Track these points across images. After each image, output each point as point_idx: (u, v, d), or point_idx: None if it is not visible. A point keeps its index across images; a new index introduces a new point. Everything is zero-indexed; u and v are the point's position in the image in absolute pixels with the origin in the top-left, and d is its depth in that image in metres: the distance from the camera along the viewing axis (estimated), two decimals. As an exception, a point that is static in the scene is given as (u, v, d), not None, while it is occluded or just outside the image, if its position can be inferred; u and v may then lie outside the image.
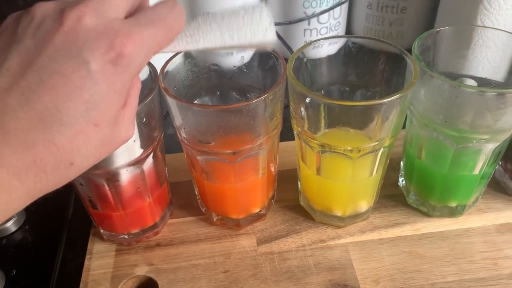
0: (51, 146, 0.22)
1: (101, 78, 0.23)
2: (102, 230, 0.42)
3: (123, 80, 0.24)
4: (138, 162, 0.36)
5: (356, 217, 0.43)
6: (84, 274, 0.40)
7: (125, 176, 0.37)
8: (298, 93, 0.35)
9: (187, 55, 0.40)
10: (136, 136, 0.35)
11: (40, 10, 0.24)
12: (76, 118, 0.23)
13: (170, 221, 0.44)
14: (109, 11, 0.24)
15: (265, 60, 0.40)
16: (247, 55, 0.42)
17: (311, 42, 0.39)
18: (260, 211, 0.43)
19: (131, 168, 0.36)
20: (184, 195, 0.46)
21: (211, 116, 0.34)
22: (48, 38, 0.23)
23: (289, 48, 0.60)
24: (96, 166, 0.35)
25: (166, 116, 0.48)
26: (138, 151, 0.36)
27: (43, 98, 0.22)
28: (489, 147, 0.37)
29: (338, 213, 0.42)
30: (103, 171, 0.35)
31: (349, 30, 0.70)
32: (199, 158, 0.38)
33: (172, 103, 0.34)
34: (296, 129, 0.39)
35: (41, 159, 0.22)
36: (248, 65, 0.42)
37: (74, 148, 0.23)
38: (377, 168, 0.39)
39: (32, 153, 0.22)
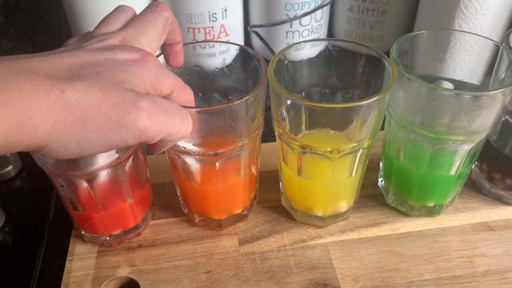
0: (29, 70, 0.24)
1: (121, 60, 0.27)
2: (83, 232, 0.42)
3: (142, 75, 0.27)
4: (120, 163, 0.36)
5: (337, 217, 0.43)
6: (65, 276, 0.40)
7: (106, 177, 0.37)
8: (279, 95, 0.36)
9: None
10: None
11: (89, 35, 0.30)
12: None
13: (152, 222, 0.44)
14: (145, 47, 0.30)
15: (246, 62, 0.41)
16: (228, 57, 0.42)
17: (292, 45, 0.40)
18: (242, 211, 0.44)
19: (112, 169, 0.36)
20: (166, 196, 0.46)
21: (193, 118, 0.34)
22: (89, 46, 0.28)
23: (271, 50, 0.61)
24: (77, 167, 0.35)
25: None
26: (118, 152, 0.36)
27: (59, 59, 0.25)
28: (465, 148, 0.38)
29: (319, 213, 0.42)
30: (83, 172, 0.35)
31: (330, 33, 0.71)
32: (180, 159, 0.38)
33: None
34: (277, 131, 0.39)
35: (11, 80, 0.23)
36: (230, 66, 0.43)
37: (47, 67, 0.24)
38: (357, 169, 0.39)
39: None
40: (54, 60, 0.25)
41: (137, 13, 0.33)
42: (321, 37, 0.67)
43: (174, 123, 0.27)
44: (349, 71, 0.42)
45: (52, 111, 0.23)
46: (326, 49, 0.41)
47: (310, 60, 0.42)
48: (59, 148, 0.24)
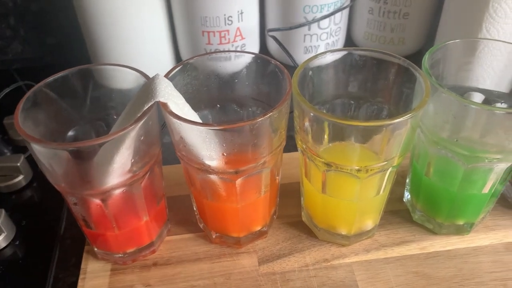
0: None
1: None
2: (96, 249, 0.40)
3: None
4: (136, 181, 0.34)
5: (361, 235, 0.41)
6: (77, 295, 0.38)
7: (121, 195, 0.35)
8: (304, 110, 0.33)
9: (187, 68, 0.38)
10: (132, 156, 0.33)
11: None
12: None
13: (167, 238, 0.43)
14: None
15: (267, 72, 0.39)
16: (248, 66, 0.40)
17: (316, 55, 0.38)
18: (262, 228, 0.42)
19: (127, 187, 0.34)
20: (181, 210, 0.45)
21: (214, 135, 0.32)
22: None
23: (290, 56, 0.58)
24: (91, 186, 0.33)
25: (163, 126, 0.46)
26: (134, 170, 0.34)
27: None
28: (501, 167, 0.36)
29: (343, 231, 0.40)
30: (97, 191, 0.33)
31: (349, 36, 0.68)
32: (198, 176, 0.36)
33: (171, 120, 0.33)
34: (300, 146, 0.37)
35: None
36: (249, 76, 0.40)
37: None
38: (385, 187, 0.37)
39: None
40: None
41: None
42: (340, 40, 0.64)
43: None
44: (375, 82, 0.39)
45: None
46: (353, 59, 0.39)
47: (334, 70, 0.40)
48: None
